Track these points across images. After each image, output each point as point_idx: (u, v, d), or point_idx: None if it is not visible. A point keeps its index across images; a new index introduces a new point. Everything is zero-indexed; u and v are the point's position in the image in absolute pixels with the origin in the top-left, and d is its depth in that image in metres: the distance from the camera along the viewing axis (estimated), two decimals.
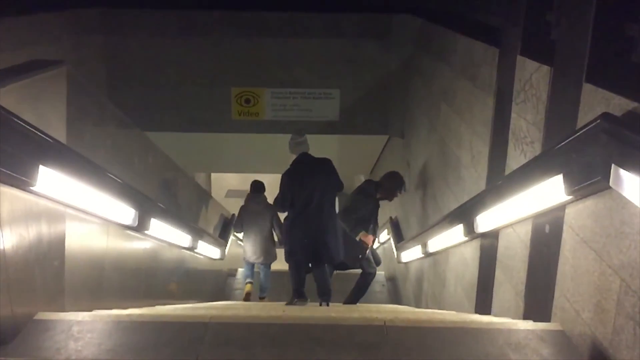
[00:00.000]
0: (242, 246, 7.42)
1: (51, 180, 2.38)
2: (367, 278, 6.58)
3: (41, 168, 2.27)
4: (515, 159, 3.13)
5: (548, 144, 2.70)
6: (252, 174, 9.72)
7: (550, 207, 2.45)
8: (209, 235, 6.07)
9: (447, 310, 4.57)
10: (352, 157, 10.26)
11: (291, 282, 5.42)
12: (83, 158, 2.47)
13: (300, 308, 4.88)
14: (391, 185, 6.21)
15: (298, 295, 5.29)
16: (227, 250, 7.23)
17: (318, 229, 5.22)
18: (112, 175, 2.94)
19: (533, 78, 2.92)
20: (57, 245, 2.64)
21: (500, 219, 3.09)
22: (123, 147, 3.58)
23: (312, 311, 4.30)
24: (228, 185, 17.91)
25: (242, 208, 7.56)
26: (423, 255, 5.36)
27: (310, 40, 7.35)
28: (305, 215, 5.22)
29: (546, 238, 2.69)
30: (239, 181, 17.47)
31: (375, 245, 7.70)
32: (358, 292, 6.62)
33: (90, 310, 2.95)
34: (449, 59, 4.85)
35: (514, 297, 3.10)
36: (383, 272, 8.42)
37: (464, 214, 3.70)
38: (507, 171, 3.28)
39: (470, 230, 3.60)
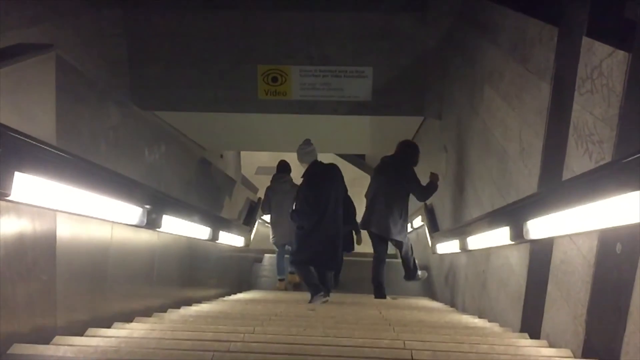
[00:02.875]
0: (270, 229, 7.17)
1: (31, 187, 2.04)
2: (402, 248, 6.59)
3: (17, 175, 1.92)
4: (578, 159, 2.67)
5: (623, 146, 2.24)
6: (282, 153, 9.34)
7: (629, 224, 2.00)
8: (232, 223, 5.74)
9: (486, 316, 4.16)
10: (384, 137, 9.77)
11: (305, 282, 5.53)
12: (69, 157, 2.11)
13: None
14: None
15: (316, 291, 5.34)
16: (252, 236, 6.90)
17: (330, 240, 5.38)
18: (110, 173, 2.59)
19: (604, 65, 2.43)
20: (45, 256, 2.31)
21: (559, 228, 2.62)
22: (129, 138, 3.22)
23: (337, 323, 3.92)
24: (258, 162, 17.60)
25: (268, 189, 7.47)
26: (460, 250, 4.93)
27: (341, 15, 6.84)
28: (322, 226, 5.34)
29: (617, 259, 2.25)
30: (270, 158, 17.14)
31: (409, 229, 7.32)
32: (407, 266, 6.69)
33: (90, 322, 2.63)
34: (496, 36, 4.34)
35: (571, 320, 2.67)
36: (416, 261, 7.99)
37: (512, 216, 3.23)
38: (567, 171, 2.82)
39: (518, 234, 3.13)
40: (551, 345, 2.83)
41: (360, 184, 14.68)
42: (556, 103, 3.02)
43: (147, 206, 3.12)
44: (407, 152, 6.53)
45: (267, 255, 8.18)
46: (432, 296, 7.02)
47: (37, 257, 2.21)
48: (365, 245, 9.91)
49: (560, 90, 2.97)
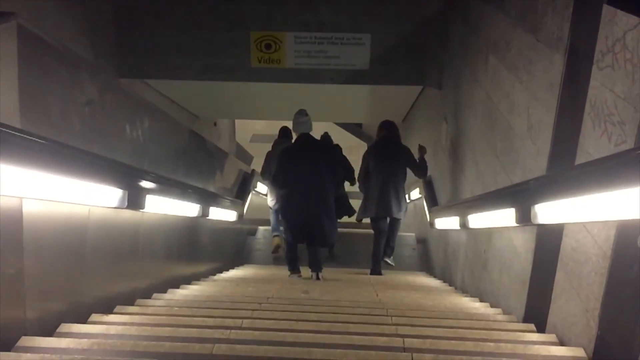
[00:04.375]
0: (268, 193, 7.03)
1: None
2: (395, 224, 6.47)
3: None
4: (594, 140, 2.44)
5: None
6: (278, 122, 9.08)
7: None
8: (223, 198, 5.52)
9: (487, 299, 3.99)
10: (382, 106, 9.51)
11: (285, 258, 5.65)
12: (32, 139, 1.87)
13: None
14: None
15: (292, 269, 5.57)
16: (245, 209, 6.70)
17: (311, 211, 5.28)
18: (83, 154, 2.36)
19: (628, 38, 2.19)
20: (9, 237, 2.10)
21: (573, 215, 2.40)
22: (107, 113, 2.97)
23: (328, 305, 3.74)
24: (253, 130, 17.33)
25: (269, 153, 7.30)
26: (460, 227, 4.74)
27: None
28: (297, 195, 5.30)
29: (638, 253, 2.05)
30: (265, 125, 16.88)
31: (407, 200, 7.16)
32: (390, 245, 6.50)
33: (66, 312, 2.44)
34: (503, 3, 4.06)
35: (582, 313, 2.49)
36: (414, 234, 7.84)
37: (519, 198, 3.02)
38: (581, 152, 2.59)
39: (524, 218, 2.91)
40: (560, 339, 2.65)
41: (358, 152, 14.43)
42: (570, 77, 2.78)
43: (128, 186, 2.90)
44: (396, 132, 6.49)
45: (261, 228, 8.00)
46: (429, 271, 6.87)
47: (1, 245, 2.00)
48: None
49: (575, 63, 2.73)
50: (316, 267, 5.42)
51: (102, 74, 2.99)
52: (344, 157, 7.96)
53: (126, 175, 2.90)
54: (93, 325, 2.46)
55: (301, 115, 5.62)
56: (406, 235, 7.73)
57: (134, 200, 3.03)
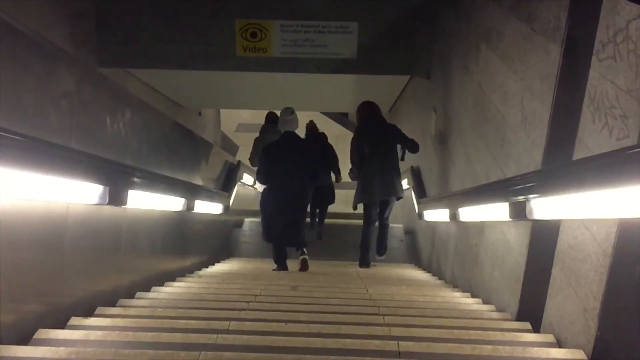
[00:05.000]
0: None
1: None
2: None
3: None
4: (594, 134, 2.36)
5: None
6: (264, 111, 8.95)
7: None
8: (208, 190, 5.40)
9: (479, 294, 3.92)
10: (369, 95, 9.38)
11: (274, 256, 5.63)
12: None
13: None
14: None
15: (280, 267, 5.52)
16: (231, 201, 6.58)
17: (288, 209, 5.36)
18: (59, 149, 2.24)
19: (631, 28, 2.10)
20: None
21: (570, 211, 2.32)
22: (86, 105, 2.84)
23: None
24: (239, 119, 17.12)
25: (257, 140, 7.44)
26: (450, 220, 4.66)
27: None
28: (276, 191, 5.38)
29: None
30: (251, 115, 16.67)
31: None
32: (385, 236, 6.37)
33: (45, 315, 2.31)
34: None
35: (581, 312, 2.41)
36: (401, 226, 7.77)
37: (514, 192, 2.94)
38: (579, 146, 2.51)
39: (519, 213, 2.84)
40: (557, 338, 2.58)
41: (344, 140, 14.31)
42: (568, 68, 2.69)
43: (108, 181, 2.77)
44: (379, 110, 6.38)
45: (247, 220, 7.88)
46: (418, 263, 6.81)
47: None
48: (348, 206, 9.68)
49: (573, 54, 2.64)
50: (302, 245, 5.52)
51: (80, 65, 2.85)
52: (330, 145, 7.91)
53: (106, 171, 2.77)
54: (72, 331, 2.34)
55: (287, 114, 5.64)
56: (394, 226, 7.64)
57: (116, 196, 2.91)
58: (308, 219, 7.60)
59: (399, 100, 9.52)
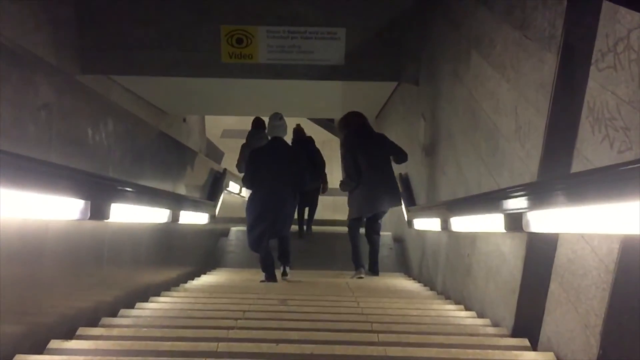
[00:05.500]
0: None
1: None
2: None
3: None
4: (594, 146, 2.29)
5: None
6: (250, 117, 8.85)
7: None
8: (194, 200, 5.28)
9: (473, 306, 3.85)
10: (356, 101, 9.33)
11: (261, 265, 5.57)
12: None
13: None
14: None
15: (268, 276, 5.50)
16: (217, 210, 6.45)
17: (271, 215, 5.28)
18: (35, 163, 2.11)
19: (633, 37, 2.03)
20: None
21: (570, 225, 2.24)
22: (67, 117, 2.72)
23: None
24: (224, 125, 16.97)
25: (244, 146, 7.48)
26: (441, 230, 4.58)
27: None
28: (261, 196, 5.33)
29: None
30: (236, 120, 16.53)
31: None
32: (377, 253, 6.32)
33: (23, 338, 2.18)
34: None
35: (581, 328, 2.34)
36: (390, 234, 7.70)
37: (509, 203, 2.87)
38: (578, 158, 2.44)
39: (515, 226, 2.76)
40: (557, 355, 2.51)
41: (330, 147, 14.31)
42: (564, 77, 2.62)
43: (89, 196, 2.65)
44: (367, 121, 6.30)
45: (233, 229, 7.76)
46: (407, 272, 6.73)
47: None
48: (336, 213, 9.58)
49: (569, 63, 2.57)
50: (285, 260, 5.57)
51: (61, 75, 2.73)
52: (318, 150, 7.88)
53: (87, 185, 2.64)
54: (51, 357, 2.22)
55: (276, 119, 5.61)
56: (383, 234, 7.55)
57: (98, 210, 2.78)
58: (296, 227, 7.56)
59: (386, 106, 9.47)
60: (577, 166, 2.43)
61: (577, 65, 2.49)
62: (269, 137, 5.66)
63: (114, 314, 3.24)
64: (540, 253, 2.79)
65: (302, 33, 6.47)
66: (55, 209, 2.44)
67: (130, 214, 3.42)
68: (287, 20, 6.41)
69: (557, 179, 2.40)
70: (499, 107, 3.52)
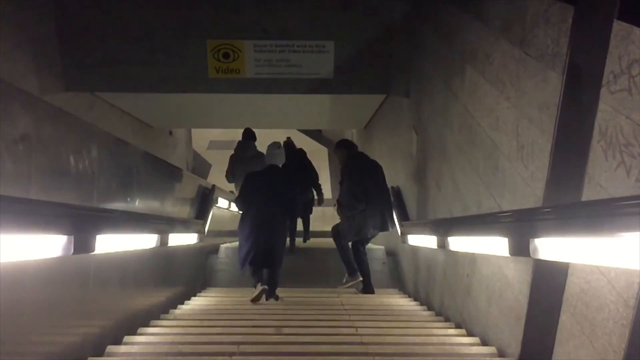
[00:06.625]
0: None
1: None
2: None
3: None
4: (608, 173, 2.17)
5: None
6: (237, 130, 8.73)
7: None
8: (183, 221, 5.12)
9: (473, 329, 3.72)
10: (344, 112, 9.25)
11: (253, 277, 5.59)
12: None
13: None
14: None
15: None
16: (207, 228, 6.28)
17: (263, 238, 5.31)
18: (11, 202, 1.95)
19: None
20: None
21: (585, 256, 2.11)
22: (47, 146, 2.56)
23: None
24: (210, 136, 16.81)
25: (232, 156, 7.64)
26: (438, 248, 4.45)
27: None
28: (252, 220, 5.37)
29: None
30: (222, 132, 16.38)
31: None
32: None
33: None
34: (481, 10, 3.80)
35: None
36: (383, 247, 7.57)
37: (514, 228, 2.76)
38: (589, 184, 2.32)
39: (521, 250, 2.65)
40: None
41: (318, 157, 14.19)
42: (571, 98, 2.51)
43: (72, 229, 2.49)
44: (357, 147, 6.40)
45: (222, 247, 7.58)
46: (401, 287, 6.60)
47: None
48: (325, 224, 9.43)
49: (577, 83, 2.46)
50: (271, 291, 5.48)
51: (39, 103, 2.56)
52: (310, 162, 7.91)
53: (70, 218, 2.49)
54: None
55: (274, 148, 5.81)
56: (375, 248, 7.45)
57: (82, 244, 2.63)
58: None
59: (375, 117, 9.37)
60: (589, 192, 2.31)
61: (585, 86, 2.38)
62: (267, 164, 5.77)
63: (100, 352, 3.06)
64: (549, 280, 2.67)
65: (290, 47, 6.35)
66: (34, 248, 2.27)
67: (117, 244, 3.26)
68: (274, 34, 6.29)
69: (572, 205, 2.29)
70: (499, 124, 3.41)
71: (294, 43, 6.35)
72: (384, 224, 5.92)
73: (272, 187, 5.45)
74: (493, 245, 3.08)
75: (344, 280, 6.12)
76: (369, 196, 5.73)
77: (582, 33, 2.42)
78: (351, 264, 6.04)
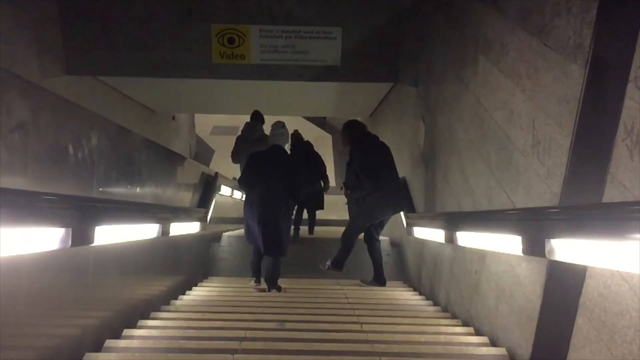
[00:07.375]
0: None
1: None
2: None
3: None
4: (633, 173, 2.06)
5: None
6: (241, 115, 8.63)
7: None
8: (185, 210, 5.03)
9: (482, 327, 3.63)
10: (351, 100, 9.11)
11: (250, 268, 5.76)
12: None
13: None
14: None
15: (255, 276, 5.72)
16: (209, 216, 6.19)
17: (267, 217, 5.30)
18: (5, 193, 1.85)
19: None
20: None
21: (606, 260, 2.01)
22: (45, 135, 2.46)
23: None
24: (214, 121, 16.68)
25: (238, 137, 7.62)
26: (446, 242, 4.35)
27: None
28: (255, 199, 5.34)
29: None
30: (226, 117, 16.25)
31: None
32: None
33: None
34: None
35: None
36: (387, 238, 7.47)
37: (528, 226, 2.65)
38: (612, 184, 2.21)
39: (535, 250, 2.54)
40: None
41: (322, 143, 14.05)
42: (594, 93, 2.39)
43: (70, 221, 2.40)
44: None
45: (225, 235, 7.50)
46: (406, 280, 6.51)
47: None
48: (329, 213, 9.34)
49: (601, 78, 2.34)
50: (273, 283, 5.43)
51: (37, 91, 2.46)
52: (317, 153, 7.79)
53: (67, 210, 2.39)
54: None
55: (278, 127, 5.63)
56: (380, 239, 7.33)
57: (80, 236, 2.53)
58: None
59: (381, 106, 9.24)
60: (611, 192, 2.20)
61: (610, 81, 2.26)
62: (270, 144, 5.61)
63: (98, 347, 2.98)
64: (564, 283, 2.57)
65: (296, 33, 6.22)
66: (29, 242, 2.18)
67: (117, 234, 3.16)
68: (281, 19, 6.15)
69: (595, 206, 2.17)
70: (513, 118, 3.29)
71: (300, 29, 6.21)
72: (397, 204, 5.79)
73: (275, 167, 5.38)
74: (505, 243, 2.98)
75: (326, 266, 5.97)
76: (380, 175, 5.50)
77: (608, 24, 2.29)
78: (342, 261, 5.89)
